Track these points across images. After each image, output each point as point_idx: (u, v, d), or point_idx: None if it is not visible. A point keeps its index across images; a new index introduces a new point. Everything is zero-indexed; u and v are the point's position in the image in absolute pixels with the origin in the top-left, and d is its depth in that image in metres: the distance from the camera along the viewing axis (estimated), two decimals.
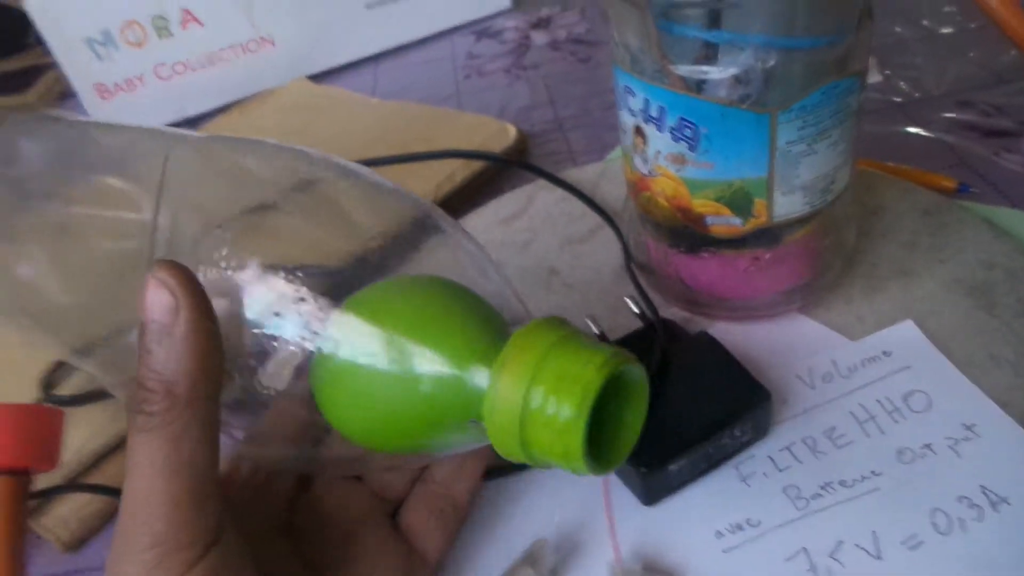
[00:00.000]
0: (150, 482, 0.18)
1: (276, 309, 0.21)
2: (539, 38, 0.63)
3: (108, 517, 0.32)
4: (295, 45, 0.60)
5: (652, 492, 0.25)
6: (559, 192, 0.41)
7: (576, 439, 0.19)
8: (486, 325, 0.21)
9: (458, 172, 0.43)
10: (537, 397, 0.19)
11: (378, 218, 0.23)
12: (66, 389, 0.33)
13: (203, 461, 0.19)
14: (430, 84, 0.60)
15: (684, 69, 0.26)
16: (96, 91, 0.57)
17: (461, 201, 0.44)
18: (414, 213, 0.23)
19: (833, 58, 0.25)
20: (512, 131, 0.46)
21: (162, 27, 0.56)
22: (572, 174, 0.42)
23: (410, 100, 0.56)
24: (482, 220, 0.40)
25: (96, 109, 0.58)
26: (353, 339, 0.20)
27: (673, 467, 0.24)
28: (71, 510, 0.31)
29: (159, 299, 0.19)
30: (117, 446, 0.33)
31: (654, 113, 0.27)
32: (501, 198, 0.41)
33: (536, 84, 0.56)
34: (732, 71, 0.25)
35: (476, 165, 0.44)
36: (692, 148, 0.27)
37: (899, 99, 0.46)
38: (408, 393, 0.20)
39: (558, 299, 0.35)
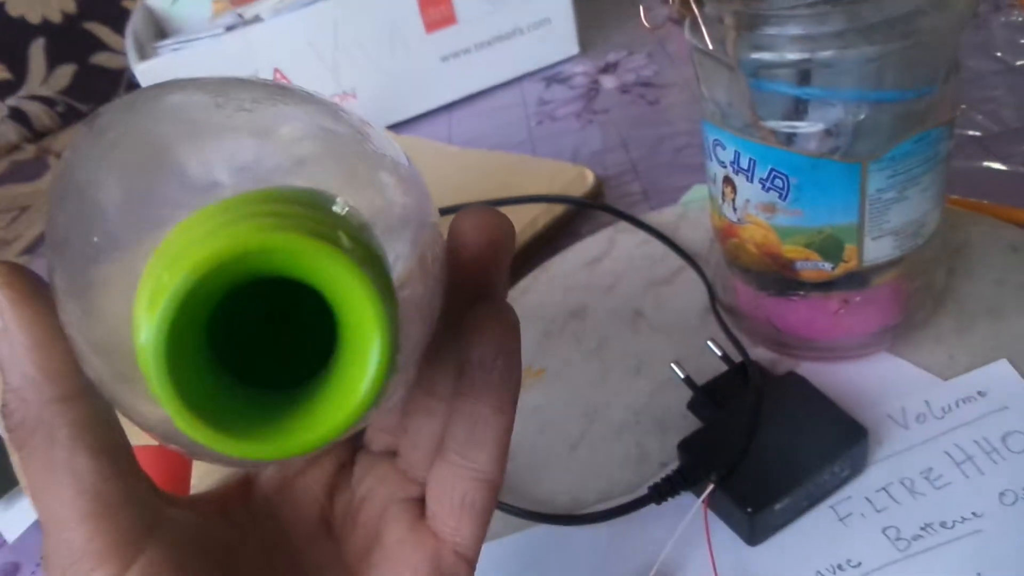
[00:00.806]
0: (43, 502, 0.17)
1: None
2: (608, 82, 0.65)
3: None
4: (376, 98, 0.64)
5: (757, 532, 0.26)
6: (640, 235, 0.42)
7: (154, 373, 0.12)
8: None
9: (540, 217, 0.45)
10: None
11: None
12: None
13: (84, 467, 0.16)
14: (503, 131, 0.62)
15: (774, 123, 0.27)
16: None
17: (541, 246, 0.46)
18: None
19: (922, 109, 0.26)
20: (590, 175, 0.47)
21: None
22: (651, 217, 0.43)
23: (484, 147, 0.58)
24: (566, 264, 0.42)
25: None
26: None
27: (778, 506, 0.25)
28: None
29: None
30: None
31: (744, 165, 0.28)
32: (583, 242, 0.43)
33: (607, 128, 0.58)
34: (822, 125, 0.26)
35: (557, 210, 0.45)
36: (782, 197, 0.28)
37: (977, 133, 0.46)
38: None
39: (644, 341, 0.36)
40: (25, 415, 0.16)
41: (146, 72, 0.58)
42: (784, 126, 0.27)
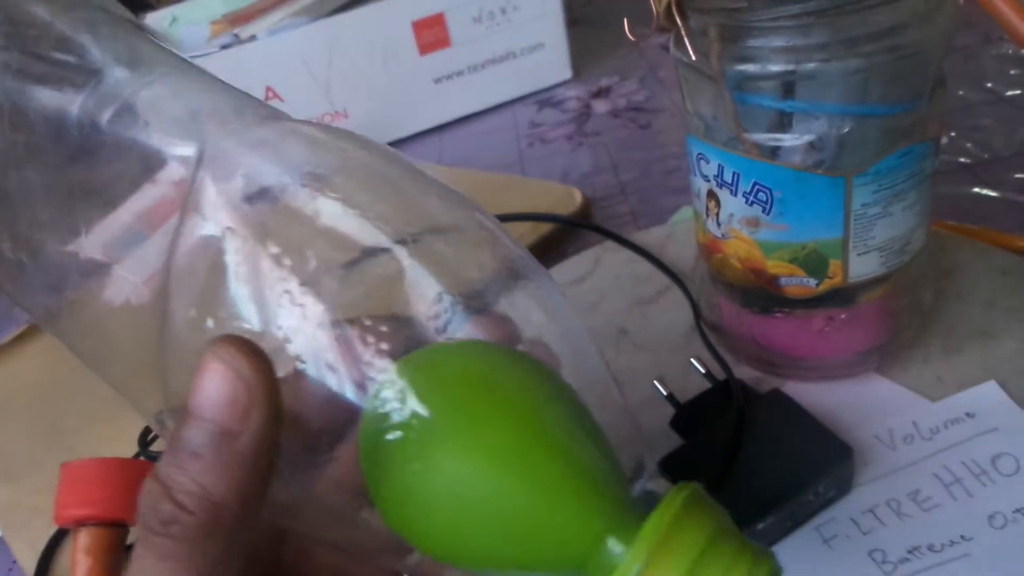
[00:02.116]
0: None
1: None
2: (600, 106, 0.65)
3: None
4: (368, 118, 0.64)
5: None
6: (625, 254, 0.42)
7: None
8: (609, 471, 0.16)
9: (526, 235, 0.44)
10: None
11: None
12: (162, 444, 0.35)
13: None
14: (494, 152, 0.62)
15: (758, 136, 0.27)
16: None
17: None
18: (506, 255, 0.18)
19: (907, 124, 0.26)
20: (578, 195, 0.47)
21: None
22: (638, 237, 0.43)
23: (475, 168, 0.58)
24: None
25: None
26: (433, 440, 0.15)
27: (761, 526, 0.24)
28: None
29: (223, 391, 0.14)
30: None
31: (728, 178, 0.28)
32: (568, 260, 0.43)
33: (598, 150, 0.58)
34: (807, 138, 0.26)
35: (544, 228, 0.45)
36: (766, 211, 0.27)
37: (968, 160, 0.46)
38: (496, 529, 0.15)
39: (628, 359, 0.35)
40: (209, 530, 0.14)
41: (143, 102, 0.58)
42: (768, 139, 0.26)
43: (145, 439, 0.34)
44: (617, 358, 0.35)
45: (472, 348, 0.16)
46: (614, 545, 0.15)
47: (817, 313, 0.30)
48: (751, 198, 0.27)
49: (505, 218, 0.45)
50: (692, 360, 0.32)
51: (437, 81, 0.65)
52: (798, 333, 0.30)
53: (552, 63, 0.69)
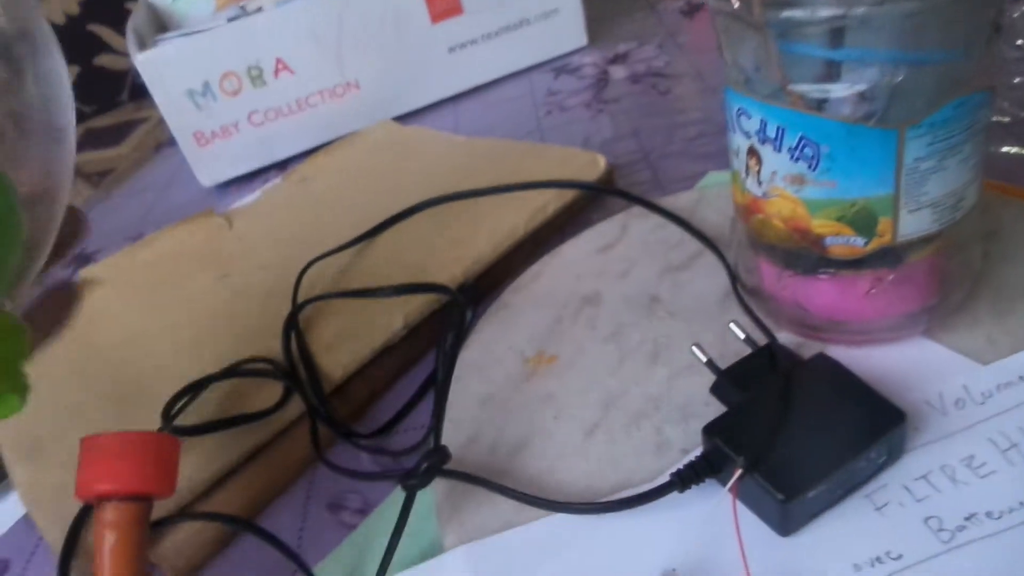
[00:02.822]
0: None
1: None
2: (618, 72, 0.63)
3: (220, 545, 0.32)
4: (380, 89, 0.62)
5: (790, 522, 0.24)
6: (654, 220, 0.41)
7: None
8: None
9: (551, 203, 0.43)
10: None
11: None
12: (186, 419, 0.34)
13: None
14: (511, 121, 0.61)
15: (804, 88, 0.25)
16: (195, 139, 0.60)
17: (551, 232, 0.44)
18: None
19: (963, 72, 0.24)
20: (602, 161, 0.46)
21: (256, 76, 0.59)
22: (666, 202, 0.41)
23: (493, 137, 0.56)
24: (578, 250, 0.40)
25: (194, 155, 0.61)
26: None
27: (812, 494, 0.23)
28: (185, 538, 0.31)
29: None
30: (228, 474, 0.33)
31: (771, 134, 0.27)
32: (595, 228, 0.41)
33: (618, 117, 0.57)
34: (857, 88, 0.24)
35: (568, 196, 0.44)
36: (812, 167, 0.26)
37: (1005, 119, 0.44)
38: None
39: (662, 327, 0.34)
40: None
41: (146, 63, 0.57)
42: (815, 90, 0.25)
43: (169, 413, 0.33)
44: (651, 326, 0.34)
45: None
46: None
47: (864, 274, 0.28)
48: (796, 154, 0.26)
49: (528, 186, 0.44)
50: (732, 325, 0.31)
51: (451, 50, 0.63)
52: (843, 295, 0.29)
53: (567, 29, 0.67)
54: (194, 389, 0.35)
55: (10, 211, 0.20)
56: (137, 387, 0.37)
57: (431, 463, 0.27)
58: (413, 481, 0.27)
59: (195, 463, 0.33)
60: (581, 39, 0.68)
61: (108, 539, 0.24)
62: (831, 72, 0.25)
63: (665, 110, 0.56)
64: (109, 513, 0.25)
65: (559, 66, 0.67)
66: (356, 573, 0.29)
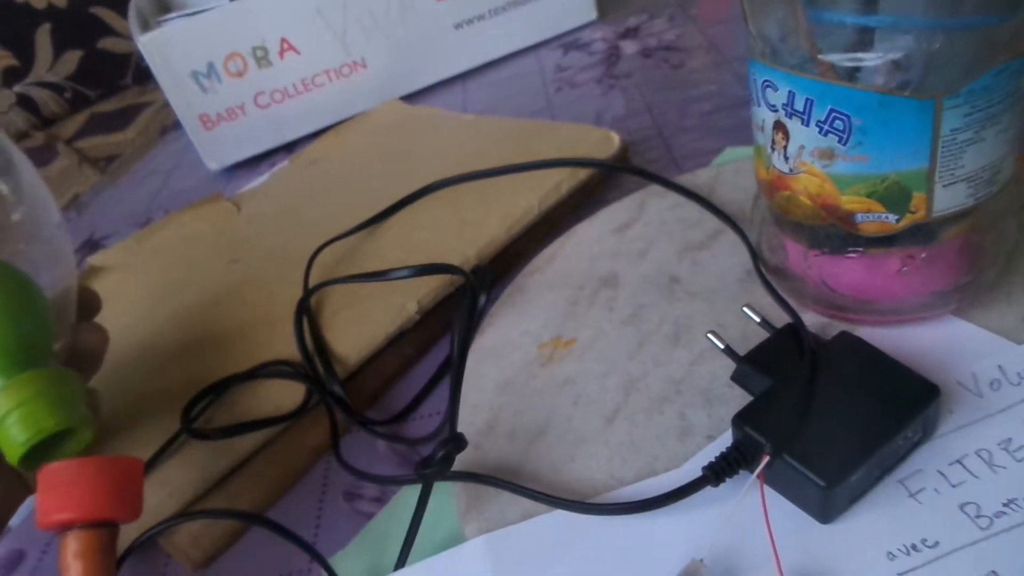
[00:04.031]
0: None
1: None
2: (629, 47, 0.62)
3: (236, 535, 0.32)
4: (387, 68, 0.61)
5: (831, 508, 0.23)
6: (671, 198, 0.40)
7: (13, 455, 0.25)
8: (23, 347, 0.25)
9: (564, 182, 0.42)
10: (11, 418, 0.24)
11: None
12: (207, 422, 0.34)
13: None
14: (520, 99, 0.59)
15: (835, 57, 0.24)
16: (200, 122, 0.59)
17: (565, 213, 0.43)
18: None
19: (1004, 38, 0.23)
20: (615, 139, 0.45)
21: (262, 57, 0.58)
22: (684, 179, 0.40)
23: (502, 116, 0.55)
24: (594, 230, 0.39)
25: (200, 139, 0.60)
26: None
27: (854, 478, 0.23)
28: (200, 530, 0.31)
29: None
30: (243, 463, 0.33)
31: (799, 107, 0.25)
32: (611, 207, 0.40)
33: (630, 92, 0.55)
34: (891, 57, 0.23)
35: (582, 174, 0.43)
36: (843, 141, 0.25)
37: None
38: None
39: (682, 308, 0.33)
40: None
41: (150, 44, 0.55)
42: (846, 59, 0.24)
43: (188, 415, 0.33)
44: (671, 307, 0.33)
45: None
46: None
47: (894, 252, 0.27)
48: (826, 127, 0.25)
49: (541, 164, 0.42)
50: (744, 308, 0.30)
51: (457, 26, 0.62)
52: (872, 274, 0.28)
53: (576, 4, 0.65)
54: (214, 391, 0.34)
55: (31, 295, 0.27)
56: (149, 376, 0.37)
57: (447, 451, 0.26)
58: (429, 471, 0.26)
59: (209, 453, 0.32)
60: (590, 13, 0.66)
61: (74, 569, 0.23)
62: (863, 40, 0.24)
63: (678, 84, 0.55)
64: (73, 543, 0.24)
65: (568, 42, 0.65)
66: (374, 563, 0.29)
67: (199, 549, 0.31)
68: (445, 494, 0.29)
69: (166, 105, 0.81)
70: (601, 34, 0.65)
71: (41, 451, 0.25)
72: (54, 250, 0.28)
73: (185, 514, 0.30)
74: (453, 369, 0.33)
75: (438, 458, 0.26)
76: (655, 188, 0.40)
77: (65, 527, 0.24)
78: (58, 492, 0.24)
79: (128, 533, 0.28)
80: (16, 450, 0.24)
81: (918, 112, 0.24)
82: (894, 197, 0.26)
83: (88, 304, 0.32)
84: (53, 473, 0.24)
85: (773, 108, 0.27)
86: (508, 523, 0.27)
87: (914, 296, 0.29)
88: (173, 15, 0.60)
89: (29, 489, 0.29)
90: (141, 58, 0.57)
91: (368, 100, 0.60)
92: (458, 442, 0.27)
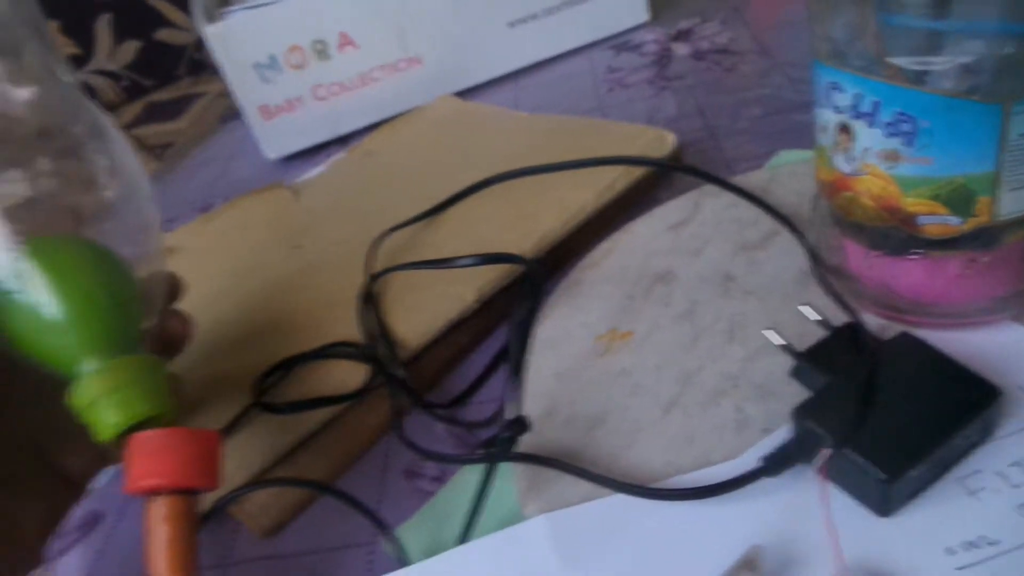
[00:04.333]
0: None
1: None
2: (681, 49, 0.62)
3: (303, 506, 0.33)
4: (441, 64, 0.62)
5: (890, 501, 0.24)
6: (726, 198, 0.40)
7: (103, 434, 0.26)
8: (118, 331, 0.27)
9: (619, 180, 0.43)
10: (106, 400, 0.26)
11: None
12: (274, 397, 0.35)
13: None
14: (571, 98, 0.60)
15: (903, 60, 0.25)
16: (260, 112, 0.61)
17: (618, 211, 0.44)
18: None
19: None
20: (670, 138, 0.45)
21: (321, 51, 0.59)
22: (738, 180, 0.41)
23: (553, 114, 0.56)
24: (649, 228, 0.40)
25: (259, 128, 0.62)
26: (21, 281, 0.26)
27: (915, 472, 0.23)
28: (269, 499, 0.32)
29: None
30: (309, 439, 0.34)
31: (866, 108, 0.26)
32: (666, 205, 0.41)
33: (682, 94, 0.56)
34: (961, 61, 0.24)
35: (636, 173, 0.43)
36: (908, 143, 0.26)
37: None
38: (34, 333, 0.26)
39: (738, 305, 0.34)
40: None
41: (215, 35, 0.57)
42: (915, 63, 0.24)
43: (260, 386, 0.34)
44: (726, 304, 0.34)
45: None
46: (89, 363, 0.26)
47: (956, 255, 0.28)
48: (892, 129, 0.26)
49: (598, 162, 0.43)
50: (800, 308, 0.30)
51: (511, 25, 0.63)
52: (933, 277, 0.28)
53: (629, 5, 0.66)
54: (284, 367, 0.35)
55: (125, 278, 0.28)
56: (219, 355, 0.38)
57: (513, 432, 0.27)
58: (495, 450, 0.27)
59: (276, 428, 0.34)
60: (643, 15, 0.67)
61: (161, 532, 0.25)
62: (932, 44, 0.24)
63: (730, 87, 0.55)
64: (161, 507, 0.25)
65: (620, 43, 0.66)
66: (434, 538, 0.30)
67: (268, 517, 0.32)
68: (503, 477, 0.30)
69: (218, 96, 0.83)
70: (653, 36, 0.65)
71: (126, 431, 0.26)
72: (146, 229, 0.29)
73: (259, 482, 0.32)
74: (516, 354, 0.33)
75: (503, 438, 0.27)
76: (710, 188, 0.41)
77: (152, 492, 0.25)
78: (148, 460, 0.25)
79: (202, 501, 0.30)
80: (107, 431, 0.26)
81: (986, 116, 0.24)
82: (958, 200, 0.26)
83: (172, 287, 0.33)
84: (143, 442, 0.25)
85: (838, 110, 0.27)
86: (567, 505, 0.28)
87: (974, 300, 0.29)
88: (235, 7, 0.62)
89: (106, 460, 0.31)
90: (195, 50, 0.59)
91: (422, 95, 0.62)
92: (522, 424, 0.28)
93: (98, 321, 0.26)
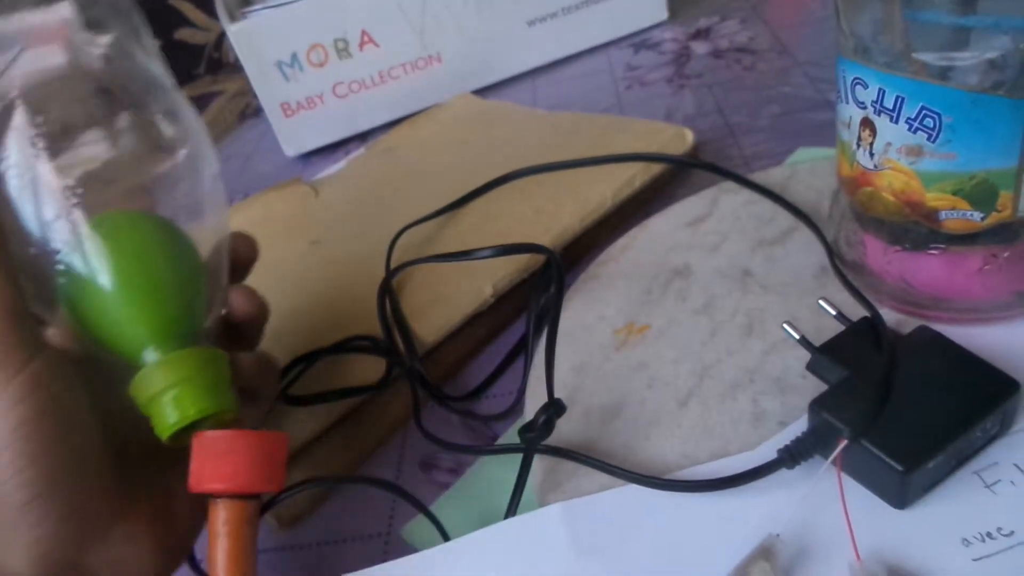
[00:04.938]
0: None
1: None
2: (700, 48, 0.62)
3: (321, 500, 0.34)
4: (461, 62, 0.63)
5: (907, 493, 0.24)
6: (744, 195, 0.40)
7: (162, 431, 0.25)
8: (182, 319, 0.26)
9: (637, 176, 0.43)
10: (165, 396, 0.24)
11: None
12: (297, 388, 0.36)
13: (6, 292, 0.23)
14: (590, 96, 0.61)
15: (928, 56, 0.25)
16: (281, 109, 0.61)
17: (636, 207, 0.44)
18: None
19: None
20: (689, 135, 0.45)
21: (342, 49, 0.60)
22: (756, 177, 0.41)
23: (572, 112, 0.56)
24: (667, 224, 0.40)
25: (280, 125, 0.62)
26: (89, 261, 0.25)
27: (932, 464, 0.23)
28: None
29: None
30: (324, 433, 0.34)
31: (889, 104, 0.26)
32: (684, 201, 0.41)
33: (701, 92, 0.56)
34: (987, 56, 0.24)
35: (655, 169, 0.44)
36: (932, 139, 0.26)
37: None
38: (99, 319, 0.25)
39: (756, 300, 0.34)
40: None
41: (239, 33, 0.58)
42: (940, 59, 0.25)
43: (281, 379, 0.35)
44: (744, 299, 0.34)
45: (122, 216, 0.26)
46: (151, 353, 0.25)
47: (976, 250, 0.28)
48: (915, 125, 0.26)
49: (617, 158, 0.43)
50: (820, 302, 0.31)
51: (530, 23, 0.63)
52: (953, 272, 0.29)
53: (647, 4, 0.66)
54: (305, 360, 0.36)
55: (194, 262, 0.26)
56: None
57: (548, 416, 0.28)
58: (532, 434, 0.28)
59: (297, 420, 0.34)
60: (662, 14, 0.67)
61: (222, 540, 0.24)
62: (958, 39, 0.24)
63: (749, 86, 0.55)
64: (223, 512, 0.24)
65: (638, 41, 0.66)
66: (451, 532, 0.30)
67: (287, 509, 0.33)
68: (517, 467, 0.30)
69: (237, 95, 0.84)
70: (672, 34, 0.66)
71: (188, 427, 0.25)
72: (213, 203, 0.27)
73: (294, 486, 0.29)
74: (548, 341, 0.33)
75: (541, 422, 0.27)
76: (728, 185, 0.41)
77: (217, 495, 0.24)
78: (213, 461, 0.24)
79: None
80: (167, 429, 0.24)
81: (1010, 112, 0.24)
82: (981, 195, 0.26)
83: (240, 257, 0.30)
84: (209, 441, 0.24)
85: (862, 105, 0.27)
86: (584, 496, 0.28)
87: (994, 295, 0.29)
88: (258, 6, 0.62)
89: None
90: (214, 49, 0.60)
91: (441, 93, 0.62)
92: (558, 407, 0.28)
93: (164, 308, 0.25)
